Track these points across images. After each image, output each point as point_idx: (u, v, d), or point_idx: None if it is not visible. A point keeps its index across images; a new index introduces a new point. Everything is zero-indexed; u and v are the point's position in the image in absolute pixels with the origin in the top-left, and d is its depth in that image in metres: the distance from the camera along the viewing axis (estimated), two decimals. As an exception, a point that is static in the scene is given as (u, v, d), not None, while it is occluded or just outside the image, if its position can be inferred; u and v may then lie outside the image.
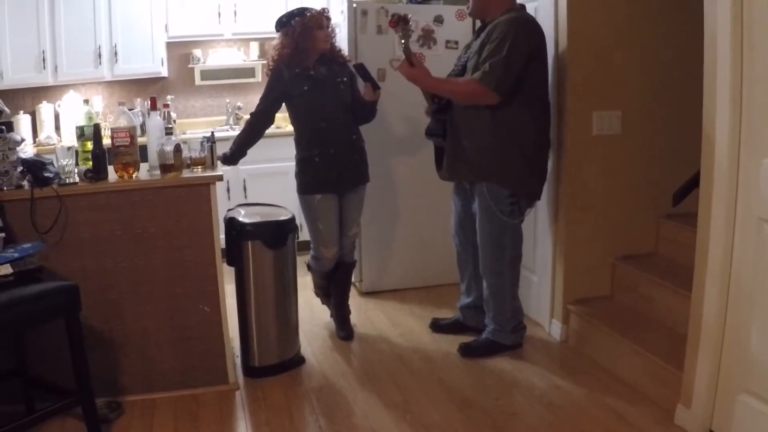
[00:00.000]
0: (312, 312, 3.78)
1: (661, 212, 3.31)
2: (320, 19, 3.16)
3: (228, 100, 5.35)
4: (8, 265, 2.28)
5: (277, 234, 3.02)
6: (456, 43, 3.91)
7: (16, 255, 2.33)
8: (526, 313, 3.39)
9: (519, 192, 3.00)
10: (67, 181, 2.64)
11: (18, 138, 2.59)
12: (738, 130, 2.20)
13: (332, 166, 3.21)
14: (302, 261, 3.50)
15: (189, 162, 2.89)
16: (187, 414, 2.73)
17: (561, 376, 2.97)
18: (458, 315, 3.50)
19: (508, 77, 2.81)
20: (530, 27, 2.89)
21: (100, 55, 4.82)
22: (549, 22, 3.15)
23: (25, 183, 2.59)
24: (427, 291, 4.13)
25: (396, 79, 3.51)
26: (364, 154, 3.36)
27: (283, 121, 4.20)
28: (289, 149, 3.37)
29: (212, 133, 3.21)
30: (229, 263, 3.03)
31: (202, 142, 2.94)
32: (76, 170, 2.71)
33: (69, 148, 2.73)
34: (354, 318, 3.63)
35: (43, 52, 4.69)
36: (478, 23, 3.26)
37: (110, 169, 2.76)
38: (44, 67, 4.71)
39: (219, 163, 3.10)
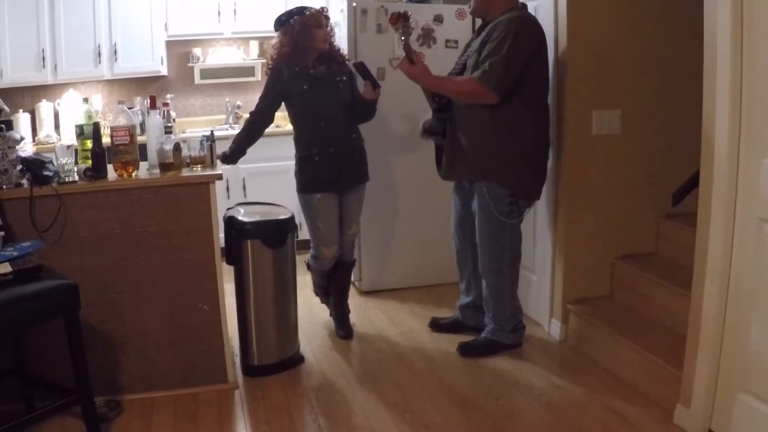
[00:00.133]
0: (311, 311, 3.78)
1: (660, 212, 3.31)
2: (319, 17, 3.16)
3: (227, 99, 5.35)
4: (7, 263, 2.27)
5: (276, 233, 3.02)
6: (456, 42, 3.91)
7: (15, 253, 2.33)
8: (525, 313, 3.39)
9: (518, 192, 3.00)
10: (67, 179, 2.64)
11: (17, 136, 2.59)
12: (738, 129, 2.20)
13: (332, 165, 3.21)
14: (302, 260, 3.50)
15: (188, 161, 2.89)
16: (186, 413, 2.73)
17: (560, 375, 2.97)
18: (458, 314, 3.50)
19: (508, 77, 2.81)
20: (531, 26, 2.89)
21: (99, 54, 4.81)
22: (549, 21, 3.14)
23: (25, 181, 2.59)
24: (426, 290, 4.13)
25: (396, 78, 3.51)
26: (363, 153, 3.36)
27: (282, 120, 4.20)
28: (289, 148, 3.37)
29: (212, 131, 3.21)
30: (229, 262, 3.03)
31: (201, 141, 2.94)
32: (75, 169, 2.71)
33: (68, 147, 2.73)
34: (353, 317, 3.63)
35: (43, 51, 4.68)
36: (479, 22, 3.26)
37: (110, 167, 2.76)
38: (44, 66, 4.71)
39: (218, 161, 3.10)
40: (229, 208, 3.19)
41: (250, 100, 4.90)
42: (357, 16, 3.84)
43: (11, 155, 2.55)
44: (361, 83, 3.27)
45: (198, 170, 2.86)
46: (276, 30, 3.26)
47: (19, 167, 2.58)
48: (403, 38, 2.93)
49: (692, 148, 2.48)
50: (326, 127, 3.19)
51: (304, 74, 3.16)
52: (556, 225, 3.33)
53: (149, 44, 4.91)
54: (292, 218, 3.10)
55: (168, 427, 2.63)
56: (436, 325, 3.53)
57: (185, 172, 2.81)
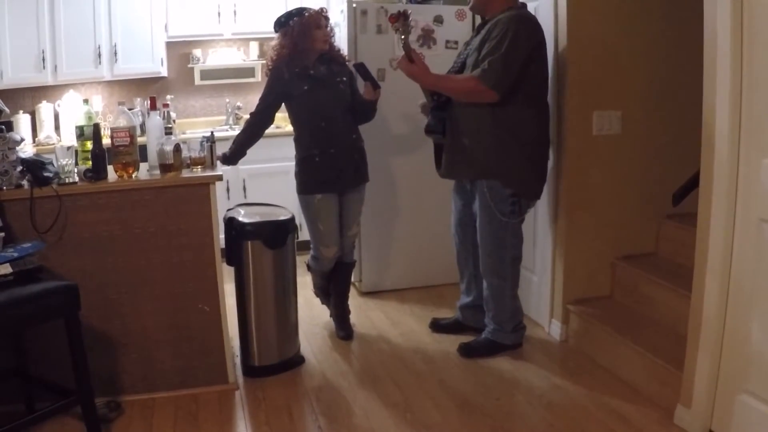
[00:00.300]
0: (312, 312, 3.78)
1: (661, 212, 3.31)
2: (318, 18, 3.16)
3: (228, 100, 5.35)
4: (8, 264, 2.28)
5: (276, 234, 3.02)
6: (456, 43, 3.91)
7: (15, 254, 2.33)
8: (526, 313, 3.39)
9: (519, 191, 3.00)
10: (67, 180, 2.64)
11: (17, 137, 2.59)
12: (738, 129, 2.20)
13: (332, 165, 3.21)
14: (302, 261, 3.50)
15: (189, 162, 2.89)
16: (186, 414, 2.73)
17: (561, 376, 2.97)
18: (458, 315, 3.50)
19: (508, 75, 2.81)
20: (530, 25, 2.89)
21: (99, 55, 4.81)
22: (549, 21, 3.14)
23: (25, 182, 2.59)
24: (427, 291, 4.13)
25: (396, 78, 3.51)
26: (363, 154, 3.36)
27: (282, 121, 4.20)
28: (289, 149, 3.37)
29: (212, 132, 3.21)
30: (229, 263, 3.03)
31: (201, 142, 2.94)
32: (75, 170, 2.71)
33: (69, 148, 2.73)
34: (354, 318, 3.63)
35: (43, 52, 4.68)
36: (478, 20, 3.26)
37: (110, 168, 2.76)
38: (44, 67, 4.71)
39: (219, 162, 3.10)
40: (229, 209, 3.19)
41: (251, 101, 4.90)
42: (357, 16, 3.84)
43: (11, 156, 2.55)
44: (361, 84, 3.28)
45: (198, 171, 2.86)
46: (275, 31, 3.26)
47: (20, 168, 2.58)
48: (402, 37, 2.93)
49: (692, 149, 2.48)
50: (326, 128, 3.19)
51: (305, 75, 3.16)
52: (557, 225, 3.33)
53: (149, 45, 4.91)
54: (292, 219, 3.10)
55: (168, 428, 2.62)
56: (437, 326, 3.53)
57: (185, 173, 2.81)
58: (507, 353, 3.19)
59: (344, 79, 3.26)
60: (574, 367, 3.05)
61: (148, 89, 5.07)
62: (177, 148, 2.77)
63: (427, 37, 3.93)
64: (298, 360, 3.18)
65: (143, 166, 2.88)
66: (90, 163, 2.68)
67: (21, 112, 4.82)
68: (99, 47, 4.80)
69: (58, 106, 4.97)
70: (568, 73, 3.12)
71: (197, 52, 5.23)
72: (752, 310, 2.19)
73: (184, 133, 4.92)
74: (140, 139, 2.92)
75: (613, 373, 2.94)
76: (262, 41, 5.18)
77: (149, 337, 2.82)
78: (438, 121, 3.09)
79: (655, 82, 3.20)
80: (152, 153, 2.85)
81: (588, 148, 3.19)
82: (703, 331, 2.37)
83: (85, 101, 3.15)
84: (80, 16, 4.72)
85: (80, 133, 2.85)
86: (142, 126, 4.14)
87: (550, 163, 3.19)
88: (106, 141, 2.72)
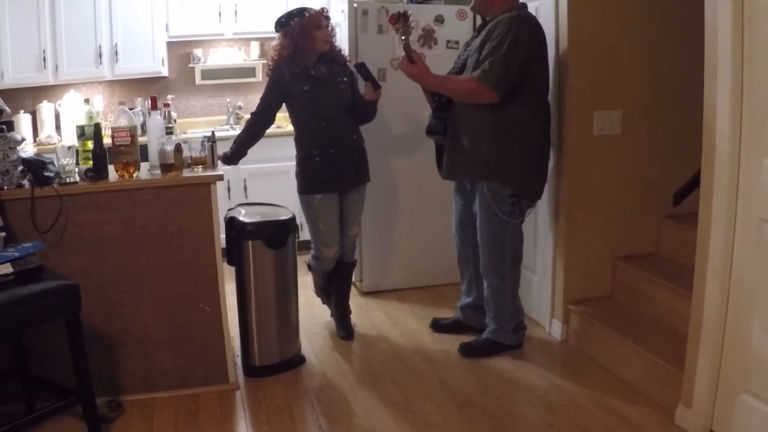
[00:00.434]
0: (312, 311, 3.78)
1: (661, 212, 3.31)
2: (319, 19, 3.16)
3: (228, 100, 5.36)
4: (8, 264, 2.28)
5: (277, 234, 3.02)
6: (457, 43, 3.91)
7: (16, 254, 2.33)
8: (526, 313, 3.39)
9: (520, 192, 3.00)
10: (68, 180, 2.64)
11: (18, 137, 2.59)
12: (738, 130, 2.20)
13: (333, 165, 3.21)
14: (303, 260, 3.50)
15: (189, 161, 2.89)
16: (187, 413, 2.73)
17: (561, 375, 2.97)
18: (459, 315, 3.50)
19: (508, 76, 2.81)
20: (531, 26, 2.89)
21: (100, 55, 4.82)
22: (550, 21, 3.14)
23: (26, 182, 2.59)
24: (427, 291, 4.13)
25: (396, 78, 3.51)
26: (364, 154, 3.36)
27: (283, 121, 4.20)
28: (290, 149, 3.37)
29: (213, 132, 3.21)
30: (230, 263, 3.03)
31: (202, 142, 2.94)
32: (76, 169, 2.71)
33: (69, 148, 2.73)
34: (354, 318, 3.63)
35: (44, 52, 4.69)
36: (479, 20, 3.26)
37: (111, 168, 2.76)
38: (45, 67, 4.71)
39: (219, 162, 3.10)
40: (230, 209, 3.19)
41: (251, 101, 4.90)
42: (358, 16, 3.84)
43: (12, 156, 2.55)
44: (361, 84, 3.28)
45: (199, 171, 2.86)
46: (276, 32, 3.26)
47: (21, 168, 2.58)
48: (403, 38, 2.93)
49: (693, 149, 2.48)
50: (327, 128, 3.19)
51: (305, 75, 3.16)
52: (557, 225, 3.33)
53: (150, 45, 4.91)
54: (293, 219, 3.10)
55: (169, 428, 2.63)
56: (437, 326, 3.53)
57: (186, 173, 2.81)
58: (507, 353, 3.19)
59: (345, 79, 3.26)
60: (575, 367, 3.04)
61: (149, 89, 5.07)
62: (178, 148, 2.77)
63: (427, 37, 3.92)
64: (298, 360, 3.18)
65: (144, 166, 2.88)
66: (91, 162, 2.68)
67: (22, 111, 4.82)
68: (100, 47, 4.80)
69: (59, 105, 4.97)
70: (569, 73, 3.12)
71: (198, 51, 5.23)
72: (753, 310, 2.19)
73: (185, 133, 4.91)
74: (141, 139, 2.93)
75: (613, 373, 2.94)
76: (263, 41, 5.18)
77: (150, 337, 2.82)
78: (439, 121, 3.10)
79: (655, 82, 3.20)
80: (153, 153, 2.85)
81: (588, 148, 3.19)
82: (703, 331, 2.37)
83: (86, 101, 3.15)
84: (81, 16, 4.73)
85: (81, 132, 2.85)
86: (143, 126, 4.14)
87: (551, 163, 3.19)
88: (107, 141, 2.72)
